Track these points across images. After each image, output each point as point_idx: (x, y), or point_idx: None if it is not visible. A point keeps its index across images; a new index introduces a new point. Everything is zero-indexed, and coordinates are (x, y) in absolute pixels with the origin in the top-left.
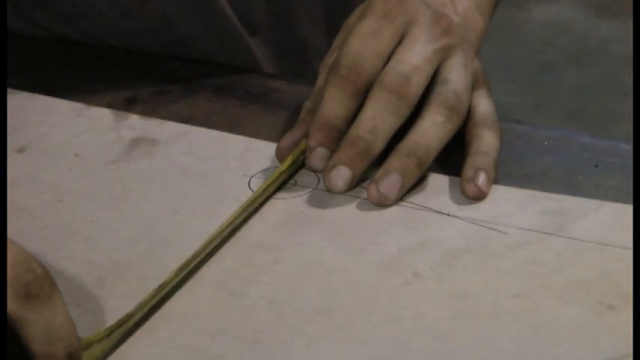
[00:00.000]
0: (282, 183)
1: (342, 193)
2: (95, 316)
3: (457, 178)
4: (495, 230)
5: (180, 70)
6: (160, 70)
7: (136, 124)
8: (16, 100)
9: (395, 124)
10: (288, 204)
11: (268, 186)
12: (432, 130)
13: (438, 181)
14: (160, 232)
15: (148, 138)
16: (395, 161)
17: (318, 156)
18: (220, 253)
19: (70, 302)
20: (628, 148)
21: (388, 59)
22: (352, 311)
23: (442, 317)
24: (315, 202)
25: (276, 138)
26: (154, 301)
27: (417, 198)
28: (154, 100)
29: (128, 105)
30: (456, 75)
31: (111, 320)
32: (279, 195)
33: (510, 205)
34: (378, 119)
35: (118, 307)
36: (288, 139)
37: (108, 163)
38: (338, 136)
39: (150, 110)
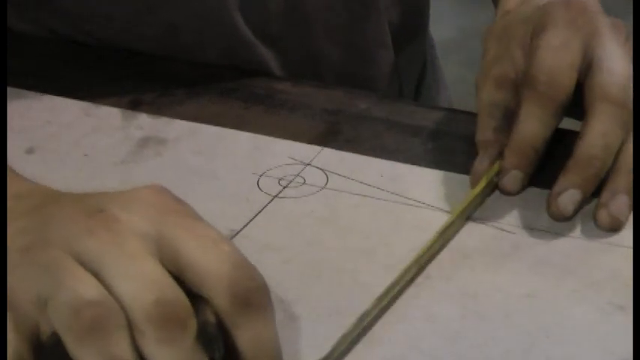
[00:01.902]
0: (474, 207)
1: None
2: None
3: (466, 177)
4: (505, 230)
5: (184, 72)
6: (165, 73)
7: (144, 123)
8: (25, 100)
9: (622, 139)
10: (297, 204)
11: (463, 210)
12: None
13: (447, 181)
14: None
15: (156, 137)
16: (622, 181)
17: (513, 179)
18: None
19: None
20: None
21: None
22: (362, 312)
23: (452, 317)
24: (325, 202)
25: (280, 139)
26: (355, 333)
27: (427, 198)
28: (158, 102)
29: (133, 107)
30: None
31: None
32: (288, 195)
33: (519, 205)
34: (609, 136)
35: None
36: (484, 163)
37: (117, 163)
38: (535, 157)
39: (155, 112)
